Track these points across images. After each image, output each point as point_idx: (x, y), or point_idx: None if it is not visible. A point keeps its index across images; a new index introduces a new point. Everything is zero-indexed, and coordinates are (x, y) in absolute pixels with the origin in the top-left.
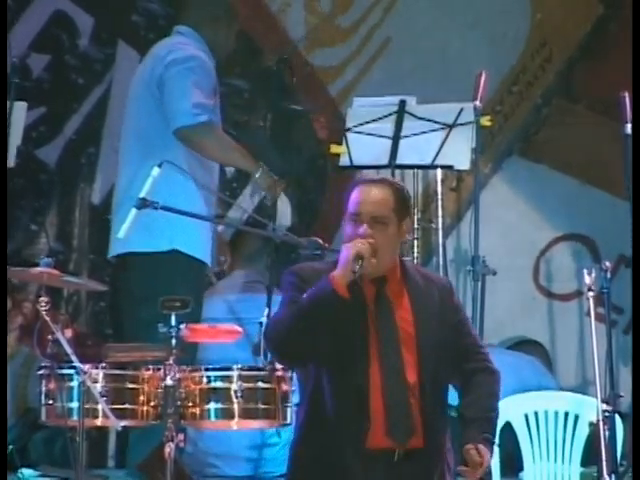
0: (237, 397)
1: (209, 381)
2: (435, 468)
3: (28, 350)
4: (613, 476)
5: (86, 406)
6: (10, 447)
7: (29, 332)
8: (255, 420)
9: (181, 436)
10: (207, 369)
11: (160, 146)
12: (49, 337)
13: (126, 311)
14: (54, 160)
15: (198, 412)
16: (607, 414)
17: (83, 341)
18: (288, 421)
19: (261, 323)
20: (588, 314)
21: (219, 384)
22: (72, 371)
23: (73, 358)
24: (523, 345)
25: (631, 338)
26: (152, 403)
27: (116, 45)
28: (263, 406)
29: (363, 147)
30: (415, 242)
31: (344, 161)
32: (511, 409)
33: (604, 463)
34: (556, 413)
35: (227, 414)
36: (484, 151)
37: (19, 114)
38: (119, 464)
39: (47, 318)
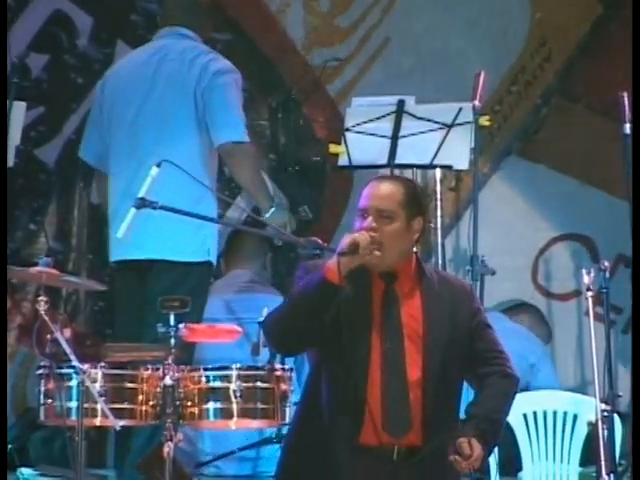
0: (236, 397)
1: (208, 381)
2: (434, 469)
3: (27, 350)
4: (612, 476)
5: (85, 406)
6: (9, 447)
7: (28, 332)
8: (254, 420)
9: (180, 436)
10: (206, 369)
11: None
12: (48, 337)
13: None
14: (53, 160)
15: (197, 412)
16: (606, 414)
17: (82, 341)
18: (287, 421)
19: (259, 323)
20: (587, 314)
21: (218, 384)
22: (71, 371)
23: (72, 358)
24: (517, 309)
25: (630, 338)
26: (151, 403)
27: (115, 45)
28: (262, 406)
29: (362, 147)
30: None
31: (343, 161)
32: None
33: (603, 463)
34: (555, 413)
35: (226, 414)
36: (483, 151)
37: (18, 114)
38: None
39: (46, 318)
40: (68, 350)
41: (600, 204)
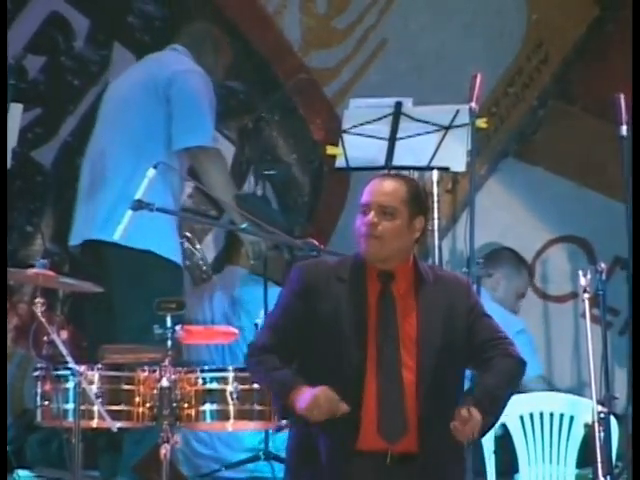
0: (233, 398)
1: (204, 382)
2: (431, 475)
3: (24, 351)
4: (608, 477)
5: (82, 407)
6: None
7: (25, 333)
8: (250, 421)
9: (177, 437)
10: (202, 370)
11: (155, 149)
12: (45, 338)
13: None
14: (50, 161)
15: (194, 413)
16: (602, 415)
17: (79, 342)
18: (284, 423)
19: (256, 325)
20: (583, 316)
21: (215, 385)
22: (68, 372)
23: (69, 359)
24: (495, 256)
25: (626, 339)
26: (148, 404)
27: (112, 47)
28: (259, 407)
29: (359, 148)
30: None
31: (340, 162)
32: (506, 410)
33: (599, 465)
34: (551, 415)
35: (222, 415)
36: (480, 153)
37: (15, 115)
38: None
39: (43, 319)
40: (65, 352)
41: (597, 206)
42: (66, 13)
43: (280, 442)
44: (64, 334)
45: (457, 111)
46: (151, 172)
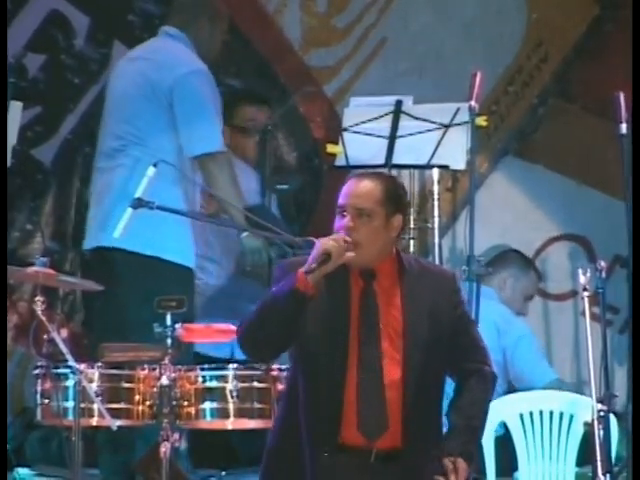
0: (232, 397)
1: (204, 381)
2: (416, 471)
3: (24, 350)
4: (608, 476)
5: (82, 405)
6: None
7: (24, 332)
8: (250, 420)
9: (176, 436)
10: (202, 368)
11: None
12: (45, 337)
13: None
14: (50, 160)
15: (193, 412)
16: (602, 414)
17: (79, 341)
18: None
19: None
20: (583, 314)
21: (214, 384)
22: (68, 370)
23: (69, 357)
24: (502, 258)
25: (626, 338)
26: (148, 403)
27: (112, 45)
28: (258, 405)
29: (359, 147)
30: (411, 242)
31: (340, 161)
32: (506, 409)
33: (599, 463)
34: (551, 413)
35: (222, 414)
36: (480, 151)
37: (15, 114)
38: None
39: (43, 318)
40: (65, 350)
41: (597, 204)
42: (66, 11)
43: None
44: (64, 332)
45: (457, 109)
46: (151, 171)
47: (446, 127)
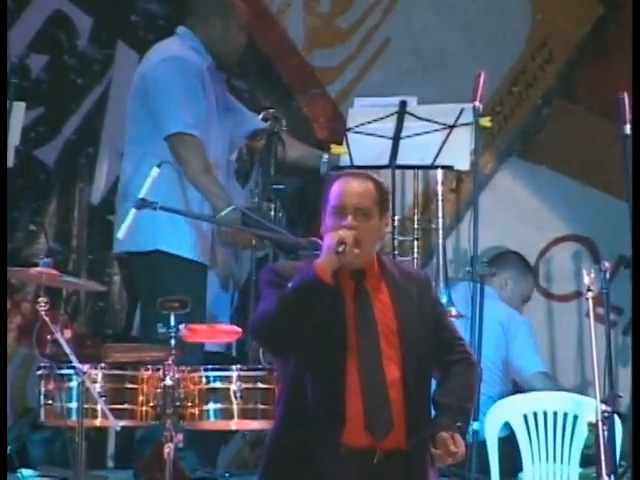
0: (236, 397)
1: (208, 381)
2: (417, 470)
3: (27, 350)
4: (612, 476)
5: (85, 406)
6: (8, 447)
7: (28, 332)
8: (254, 420)
9: (180, 436)
10: (206, 369)
11: (154, 147)
12: (48, 337)
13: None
14: (53, 160)
15: (197, 412)
16: (606, 415)
17: (82, 341)
18: None
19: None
20: (587, 315)
21: (218, 384)
22: (71, 371)
23: (72, 358)
24: (501, 258)
25: (630, 339)
26: (151, 403)
27: (115, 45)
28: (262, 406)
29: (363, 147)
30: (415, 242)
31: (344, 161)
32: (510, 410)
33: (603, 464)
34: (555, 414)
35: (226, 414)
36: (484, 152)
37: (18, 114)
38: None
39: (46, 318)
40: (68, 351)
41: (601, 205)
42: (69, 12)
43: None
44: (67, 333)
45: (461, 110)
46: (155, 171)
47: (450, 128)
